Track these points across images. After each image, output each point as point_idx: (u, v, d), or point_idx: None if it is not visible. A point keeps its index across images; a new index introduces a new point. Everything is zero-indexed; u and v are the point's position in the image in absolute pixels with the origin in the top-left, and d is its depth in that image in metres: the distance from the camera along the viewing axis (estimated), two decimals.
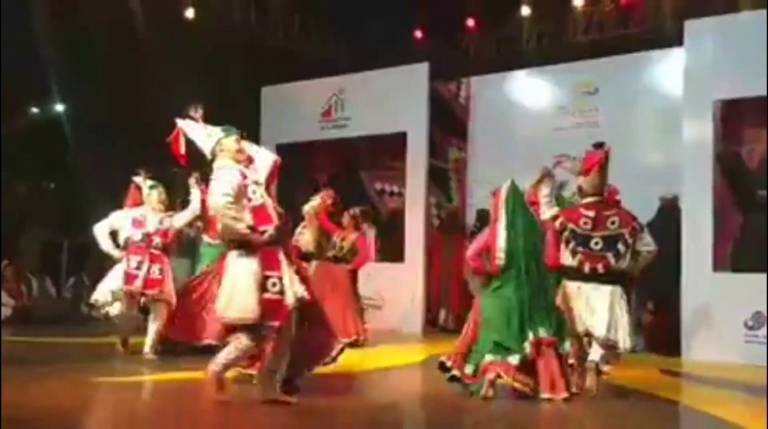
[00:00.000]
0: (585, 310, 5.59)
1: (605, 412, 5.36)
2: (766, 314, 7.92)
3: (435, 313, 10.81)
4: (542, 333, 5.43)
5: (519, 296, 5.51)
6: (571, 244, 5.68)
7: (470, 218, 11.07)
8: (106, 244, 7.33)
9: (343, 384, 6.21)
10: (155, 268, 7.18)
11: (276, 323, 4.76)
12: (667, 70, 9.79)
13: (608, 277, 5.63)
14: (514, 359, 5.37)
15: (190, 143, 5.20)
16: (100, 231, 7.33)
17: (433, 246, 10.89)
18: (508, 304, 5.51)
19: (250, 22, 12.21)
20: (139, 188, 7.49)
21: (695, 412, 5.56)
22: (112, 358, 7.04)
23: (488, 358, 5.42)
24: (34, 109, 13.37)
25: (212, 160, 5.01)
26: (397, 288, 10.57)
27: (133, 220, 7.30)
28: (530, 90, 11.19)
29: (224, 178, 4.83)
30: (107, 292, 7.23)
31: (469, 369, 5.54)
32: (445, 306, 10.76)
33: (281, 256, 4.87)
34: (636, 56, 10.19)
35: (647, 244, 5.76)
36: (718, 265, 8.44)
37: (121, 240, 7.34)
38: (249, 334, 4.79)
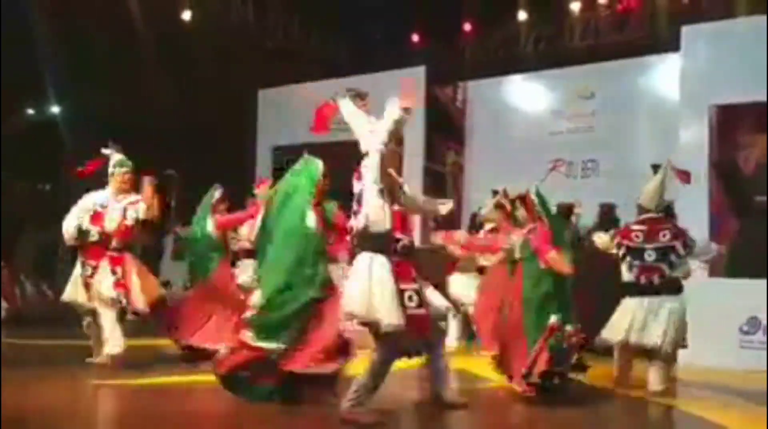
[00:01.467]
0: (646, 322, 5.89)
1: (600, 416, 5.37)
2: (765, 320, 7.92)
3: None
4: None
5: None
6: (627, 259, 6.05)
7: (466, 221, 11.05)
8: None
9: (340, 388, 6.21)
10: (113, 273, 6.39)
11: (422, 338, 4.58)
12: (663, 76, 9.82)
13: (668, 290, 5.96)
14: None
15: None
16: (68, 230, 6.53)
17: None
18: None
19: (248, 22, 12.21)
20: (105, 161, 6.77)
21: (690, 417, 5.56)
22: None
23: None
24: (33, 110, 13.36)
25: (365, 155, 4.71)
26: None
27: (93, 214, 6.52)
28: (527, 94, 11.22)
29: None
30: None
31: None
32: None
33: (413, 270, 4.72)
34: (632, 61, 10.22)
35: (706, 252, 6.28)
36: (713, 271, 8.44)
37: (75, 232, 6.51)
38: (388, 347, 4.45)
